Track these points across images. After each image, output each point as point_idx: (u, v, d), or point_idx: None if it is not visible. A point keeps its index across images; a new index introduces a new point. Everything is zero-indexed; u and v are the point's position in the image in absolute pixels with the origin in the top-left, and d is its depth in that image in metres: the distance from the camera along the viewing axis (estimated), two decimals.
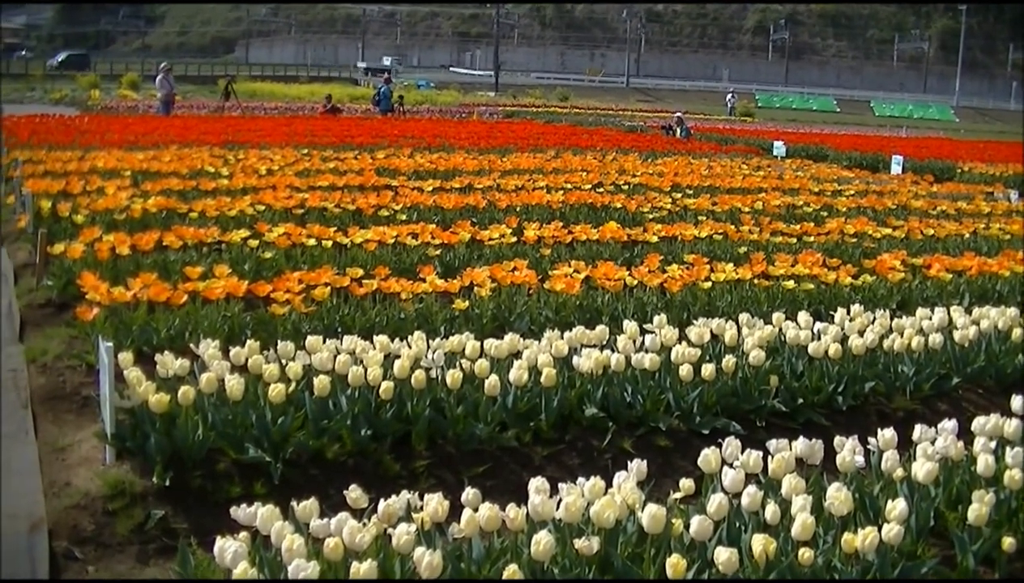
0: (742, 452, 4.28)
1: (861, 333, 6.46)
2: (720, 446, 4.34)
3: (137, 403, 4.85)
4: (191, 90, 49.73)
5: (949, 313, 7.02)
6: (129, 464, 4.71)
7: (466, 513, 3.72)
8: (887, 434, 4.59)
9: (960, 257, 9.83)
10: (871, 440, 4.67)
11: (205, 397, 4.95)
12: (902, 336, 6.53)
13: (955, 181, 20.18)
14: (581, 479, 4.00)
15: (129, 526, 4.31)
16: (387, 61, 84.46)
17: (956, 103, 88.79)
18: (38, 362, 6.28)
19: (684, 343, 5.95)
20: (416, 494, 3.92)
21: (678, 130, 31.10)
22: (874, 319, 6.85)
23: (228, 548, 3.36)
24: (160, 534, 4.30)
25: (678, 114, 35.32)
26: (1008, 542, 3.95)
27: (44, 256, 8.04)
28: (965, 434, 4.73)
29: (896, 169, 20.58)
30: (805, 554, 3.60)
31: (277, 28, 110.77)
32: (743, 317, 6.69)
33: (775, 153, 24.14)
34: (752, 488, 3.96)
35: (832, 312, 7.07)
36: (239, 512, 3.72)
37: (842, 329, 6.55)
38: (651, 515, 3.66)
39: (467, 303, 7.13)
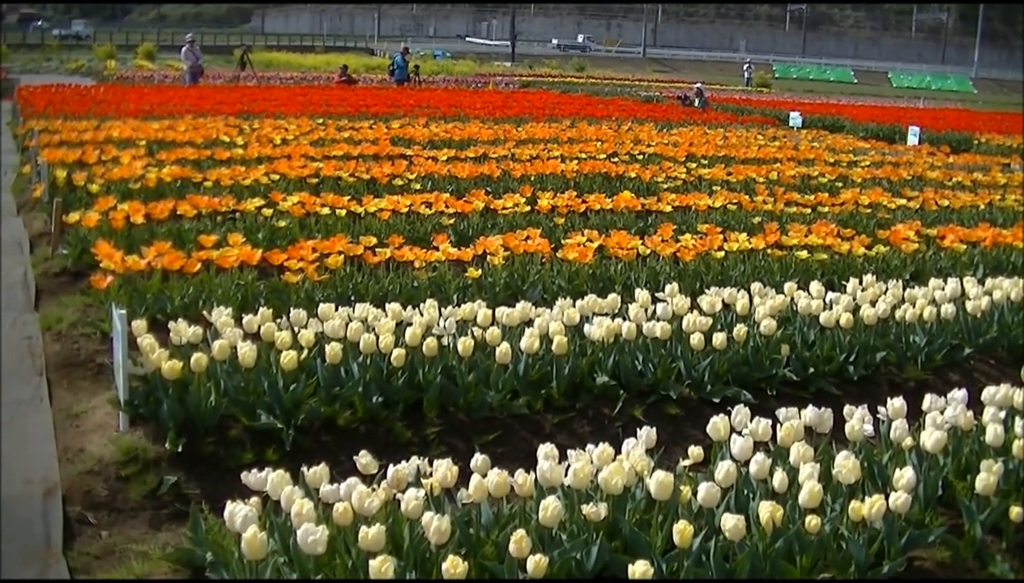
0: (752, 420, 4.29)
1: (873, 303, 6.45)
2: (730, 415, 4.36)
3: (150, 370, 4.89)
4: (207, 60, 49.34)
5: (962, 283, 6.99)
6: (142, 430, 4.76)
7: (475, 479, 3.74)
8: (897, 403, 4.59)
9: (975, 228, 9.79)
10: (881, 409, 4.68)
11: (218, 364, 4.98)
12: (914, 306, 6.52)
13: (972, 152, 20.02)
14: (590, 446, 4.01)
15: (142, 491, 4.35)
16: (580, 38, 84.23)
17: (975, 74, 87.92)
18: (53, 330, 6.33)
19: (696, 312, 5.95)
20: (426, 460, 3.94)
21: (696, 101, 30.89)
22: (886, 289, 6.83)
23: (238, 513, 3.39)
24: (172, 499, 4.34)
25: (698, 84, 35.00)
26: (1016, 511, 3.95)
27: (59, 225, 8.08)
28: (976, 404, 4.73)
29: (913, 140, 20.44)
30: (812, 522, 3.62)
31: None
32: (755, 286, 6.68)
33: (791, 124, 24.02)
34: (760, 456, 3.97)
35: (845, 282, 7.05)
36: (250, 477, 3.75)
37: (854, 299, 6.53)
38: (659, 482, 3.69)
39: (480, 271, 7.15)
